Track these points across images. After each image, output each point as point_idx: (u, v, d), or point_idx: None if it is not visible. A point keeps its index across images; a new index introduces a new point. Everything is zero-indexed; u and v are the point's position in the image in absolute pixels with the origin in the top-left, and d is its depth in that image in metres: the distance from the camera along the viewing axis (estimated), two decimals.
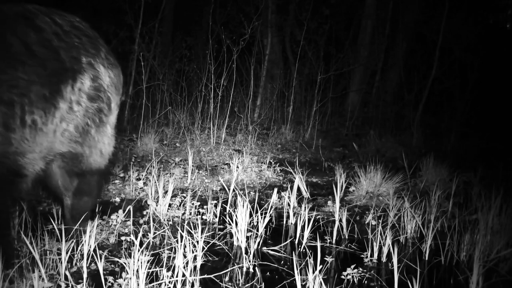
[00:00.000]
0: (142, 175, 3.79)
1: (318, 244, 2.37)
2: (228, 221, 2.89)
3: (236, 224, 2.70)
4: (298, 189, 3.60)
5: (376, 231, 2.71)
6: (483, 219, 2.78)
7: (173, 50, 7.11)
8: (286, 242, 2.82)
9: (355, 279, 2.35)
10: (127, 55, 6.60)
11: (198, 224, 2.52)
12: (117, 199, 3.43)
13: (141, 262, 1.96)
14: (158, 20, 6.35)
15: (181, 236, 2.30)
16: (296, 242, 2.83)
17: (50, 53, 2.03)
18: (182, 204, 3.27)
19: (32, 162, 2.05)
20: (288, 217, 3.22)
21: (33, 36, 2.00)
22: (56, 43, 2.07)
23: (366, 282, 2.35)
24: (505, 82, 9.41)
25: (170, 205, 3.17)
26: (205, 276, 2.24)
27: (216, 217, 3.13)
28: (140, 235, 2.19)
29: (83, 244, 2.21)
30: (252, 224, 2.93)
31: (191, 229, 2.68)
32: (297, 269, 2.06)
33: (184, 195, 3.44)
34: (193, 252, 2.28)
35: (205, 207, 3.21)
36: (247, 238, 2.71)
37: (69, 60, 2.11)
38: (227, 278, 2.30)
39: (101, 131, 2.35)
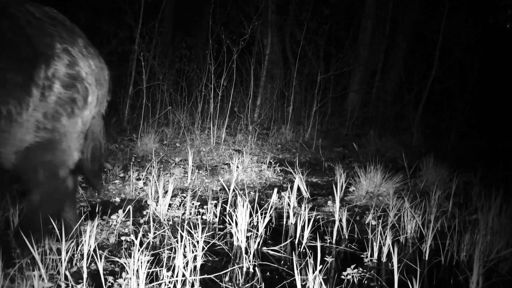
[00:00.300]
0: (142, 175, 3.79)
1: (318, 244, 2.37)
2: (228, 221, 2.89)
3: (236, 224, 2.70)
4: (298, 189, 3.60)
5: (376, 231, 2.71)
6: (483, 219, 2.78)
7: (173, 50, 7.11)
8: (286, 242, 2.82)
9: (355, 279, 2.35)
10: (127, 55, 6.62)
11: (198, 224, 2.51)
12: (117, 199, 3.43)
13: (141, 262, 1.96)
14: (158, 20, 6.35)
15: (181, 236, 2.30)
16: (296, 242, 2.83)
17: (23, 40, 1.99)
18: (182, 204, 3.27)
19: (5, 156, 1.98)
20: (288, 217, 3.22)
21: (5, 24, 1.96)
22: (28, 29, 2.01)
23: (366, 282, 2.35)
24: (505, 82, 9.42)
25: (170, 205, 3.17)
26: (205, 276, 2.24)
27: (216, 217, 3.13)
28: (140, 235, 2.19)
29: (83, 244, 2.21)
30: (252, 224, 2.93)
31: (191, 229, 2.68)
32: (297, 269, 2.06)
33: (184, 195, 3.44)
34: (193, 252, 2.28)
35: (205, 207, 3.21)
36: (247, 238, 2.71)
37: (42, 46, 2.03)
38: (227, 278, 2.30)
39: (71, 123, 2.18)
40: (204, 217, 3.12)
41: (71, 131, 2.20)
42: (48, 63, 2.04)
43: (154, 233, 2.71)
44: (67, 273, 2.06)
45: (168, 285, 2.04)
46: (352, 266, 2.41)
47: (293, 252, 2.60)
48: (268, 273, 2.39)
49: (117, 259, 2.29)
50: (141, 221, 2.97)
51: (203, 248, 2.46)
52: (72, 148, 2.24)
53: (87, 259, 2.19)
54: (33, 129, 2.07)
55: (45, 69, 2.03)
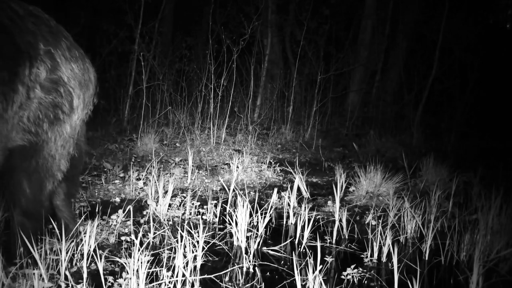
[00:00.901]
0: (142, 175, 3.79)
1: (318, 244, 2.37)
2: (228, 221, 2.89)
3: (236, 224, 2.70)
4: (298, 189, 3.60)
5: (376, 231, 2.71)
6: (483, 219, 2.78)
7: (173, 50, 7.11)
8: (286, 242, 2.82)
9: (355, 279, 2.35)
10: (127, 55, 6.62)
11: (198, 224, 2.51)
12: (117, 199, 3.43)
13: (141, 262, 1.96)
14: (158, 20, 6.36)
15: (181, 236, 2.31)
16: (296, 242, 2.83)
17: (6, 37, 1.93)
18: (182, 204, 3.27)
19: None
20: (288, 217, 3.22)
21: None
22: (11, 27, 1.96)
23: (366, 282, 2.35)
24: (505, 82, 9.42)
25: (170, 205, 3.17)
26: (205, 276, 2.24)
27: (216, 217, 3.13)
28: (140, 235, 2.19)
29: (83, 244, 2.21)
30: (252, 224, 2.93)
31: (191, 229, 2.68)
32: (297, 269, 2.06)
33: (184, 195, 3.44)
34: (193, 252, 2.28)
35: (205, 207, 3.21)
36: (247, 238, 2.71)
37: (25, 45, 1.97)
38: (227, 278, 2.30)
39: (55, 130, 2.11)
40: (204, 217, 3.12)
41: (55, 138, 2.13)
42: (31, 63, 1.99)
43: (154, 233, 2.71)
44: (67, 273, 2.06)
45: (168, 285, 2.04)
46: (352, 266, 2.41)
47: (293, 252, 2.60)
48: (268, 273, 2.39)
49: (117, 259, 2.29)
50: (141, 221, 2.97)
51: (203, 248, 2.46)
52: (57, 156, 2.16)
53: (87, 259, 2.19)
54: (18, 129, 2.02)
55: (29, 68, 1.98)
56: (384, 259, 2.62)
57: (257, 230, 2.77)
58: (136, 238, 2.19)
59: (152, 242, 2.60)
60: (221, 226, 3.01)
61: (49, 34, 2.09)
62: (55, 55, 2.07)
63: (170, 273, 2.09)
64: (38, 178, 2.13)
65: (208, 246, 2.61)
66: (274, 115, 6.88)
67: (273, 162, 4.67)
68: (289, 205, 3.27)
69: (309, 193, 3.81)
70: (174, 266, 2.14)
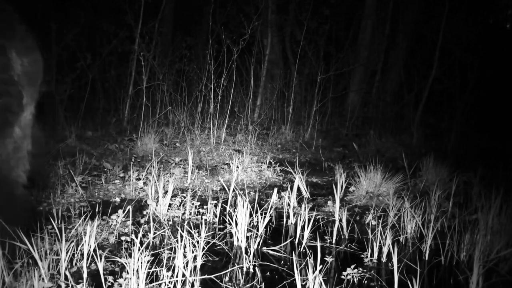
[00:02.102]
0: (142, 175, 3.79)
1: (318, 244, 2.37)
2: (228, 221, 2.89)
3: (236, 224, 2.70)
4: (298, 189, 3.60)
5: (376, 231, 2.71)
6: (483, 219, 2.78)
7: (173, 50, 7.11)
8: (286, 242, 2.82)
9: (355, 279, 2.35)
10: (127, 55, 6.62)
11: (201, 223, 2.51)
12: (117, 199, 3.43)
13: (141, 262, 1.96)
14: (158, 20, 6.36)
15: (181, 236, 2.31)
16: (296, 242, 2.83)
17: None
18: (182, 204, 3.27)
19: None
20: (288, 217, 3.22)
21: None
22: None
23: (366, 282, 2.35)
24: (505, 82, 9.42)
25: (170, 205, 3.17)
26: (205, 276, 2.24)
27: (216, 217, 3.13)
28: (140, 235, 2.19)
29: (83, 244, 2.21)
30: (252, 224, 2.93)
31: (191, 229, 2.68)
32: (297, 269, 2.06)
33: (184, 195, 3.44)
34: (193, 252, 2.28)
35: (205, 207, 3.21)
36: (247, 238, 2.71)
37: None
38: (227, 278, 2.30)
39: (3, 135, 1.86)
40: (204, 217, 3.12)
41: (5, 143, 1.88)
42: None
43: (154, 233, 2.71)
44: (67, 273, 2.06)
45: (168, 285, 2.04)
46: (352, 266, 2.41)
47: (293, 252, 2.60)
48: (268, 273, 2.39)
49: (117, 259, 2.30)
50: (141, 221, 2.97)
51: (203, 248, 2.46)
52: (12, 162, 1.93)
53: (87, 259, 2.19)
54: None
55: None
56: (384, 259, 2.62)
57: (257, 230, 2.77)
58: (136, 238, 2.19)
59: (152, 242, 2.60)
60: (221, 226, 3.01)
61: (3, 24, 1.86)
62: (7, 50, 1.82)
63: (170, 273, 2.10)
64: (6, 192, 1.95)
65: (208, 246, 2.61)
66: (274, 115, 6.88)
67: (273, 162, 4.67)
68: (289, 205, 3.27)
69: (309, 193, 3.81)
70: (174, 266, 2.14)
